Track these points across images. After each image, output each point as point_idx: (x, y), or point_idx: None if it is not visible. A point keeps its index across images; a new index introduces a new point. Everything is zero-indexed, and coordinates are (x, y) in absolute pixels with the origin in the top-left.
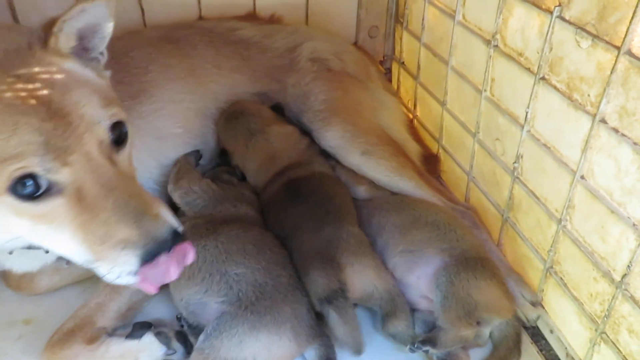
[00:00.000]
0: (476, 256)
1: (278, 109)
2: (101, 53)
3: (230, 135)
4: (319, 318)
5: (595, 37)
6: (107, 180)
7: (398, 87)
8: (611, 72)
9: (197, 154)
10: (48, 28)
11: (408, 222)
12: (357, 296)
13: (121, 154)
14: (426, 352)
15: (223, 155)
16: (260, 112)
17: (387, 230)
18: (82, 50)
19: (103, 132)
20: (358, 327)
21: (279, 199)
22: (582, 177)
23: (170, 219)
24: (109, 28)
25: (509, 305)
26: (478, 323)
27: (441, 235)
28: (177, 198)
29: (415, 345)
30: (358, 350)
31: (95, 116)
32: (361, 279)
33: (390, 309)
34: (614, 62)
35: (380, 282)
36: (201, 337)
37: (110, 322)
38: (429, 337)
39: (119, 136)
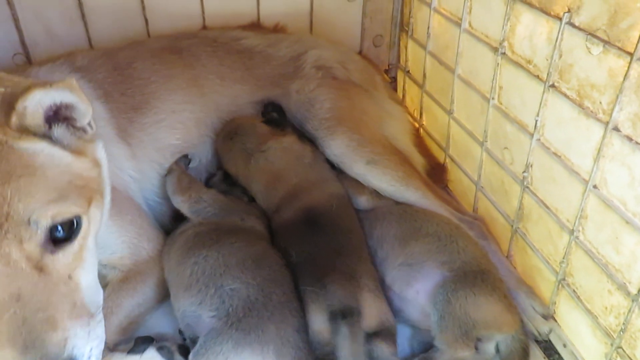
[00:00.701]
0: (476, 269)
1: (271, 120)
2: (89, 124)
3: (229, 157)
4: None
5: (606, 43)
6: (17, 291)
7: (403, 96)
8: (624, 79)
9: (186, 159)
10: (8, 105)
11: (408, 234)
12: (365, 323)
13: (63, 253)
14: None
15: (227, 179)
16: (254, 129)
17: (387, 242)
18: (62, 120)
19: (33, 233)
20: (363, 354)
21: (295, 227)
22: (595, 187)
23: (74, 351)
24: (83, 108)
25: (511, 319)
26: (479, 340)
27: (442, 247)
28: (186, 209)
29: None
30: None
31: (25, 214)
32: (374, 306)
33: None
34: (626, 68)
35: (386, 316)
36: (190, 355)
37: (111, 337)
38: (425, 358)
39: (67, 232)
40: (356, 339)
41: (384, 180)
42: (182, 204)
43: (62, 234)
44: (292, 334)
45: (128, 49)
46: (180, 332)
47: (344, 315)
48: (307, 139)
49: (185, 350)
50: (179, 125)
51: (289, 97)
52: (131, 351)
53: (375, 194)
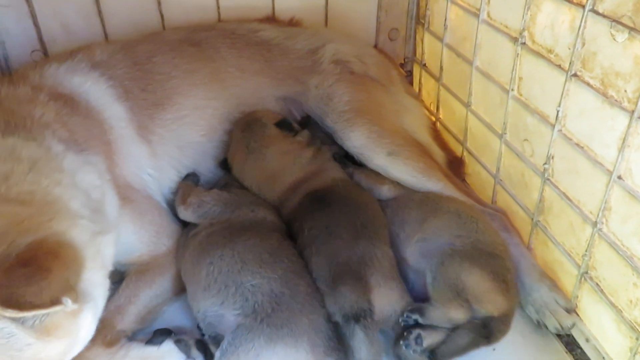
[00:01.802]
0: (489, 251)
1: (284, 124)
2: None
3: (232, 147)
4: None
5: (632, 29)
6: None
7: (420, 90)
8: None
9: (195, 177)
10: None
11: (428, 212)
12: (377, 318)
13: None
14: (415, 323)
15: (224, 163)
16: (264, 129)
17: (408, 224)
18: None
19: None
20: (381, 352)
21: (304, 209)
22: (619, 177)
23: None
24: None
25: (500, 301)
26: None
27: (461, 224)
28: (190, 216)
29: (405, 315)
30: None
31: None
32: (385, 301)
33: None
34: None
35: (401, 305)
36: (217, 353)
37: (129, 326)
38: (418, 307)
39: None
40: (372, 340)
41: (406, 171)
42: (185, 213)
43: None
44: (323, 324)
45: (146, 43)
46: (198, 327)
47: (357, 318)
48: (321, 138)
49: (203, 346)
50: (202, 122)
51: (309, 92)
52: (149, 342)
53: (397, 183)
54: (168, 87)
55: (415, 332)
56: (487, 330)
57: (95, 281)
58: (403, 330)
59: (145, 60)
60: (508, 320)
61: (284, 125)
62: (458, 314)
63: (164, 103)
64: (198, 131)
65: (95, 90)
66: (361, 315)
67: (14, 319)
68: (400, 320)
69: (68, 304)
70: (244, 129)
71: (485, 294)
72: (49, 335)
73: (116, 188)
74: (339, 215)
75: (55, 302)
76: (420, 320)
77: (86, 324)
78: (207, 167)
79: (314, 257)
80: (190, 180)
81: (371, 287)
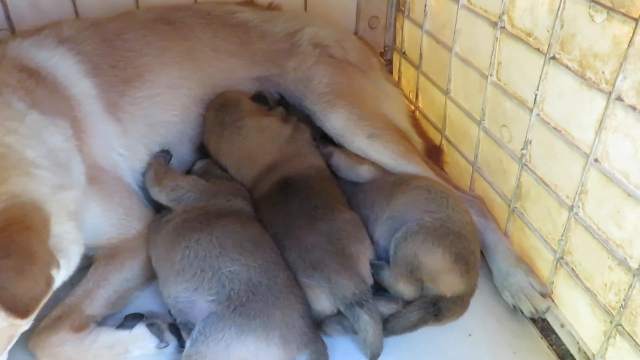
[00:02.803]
0: (456, 230)
1: (260, 98)
2: None
3: (207, 128)
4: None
5: (610, 9)
6: None
7: (399, 78)
8: (628, 46)
9: (166, 154)
10: None
11: (396, 190)
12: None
13: None
14: (377, 272)
15: (202, 149)
16: (238, 104)
17: (377, 204)
18: None
19: None
20: (382, 328)
21: (269, 197)
22: (596, 160)
23: None
24: None
25: (456, 283)
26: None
27: (430, 199)
28: (164, 199)
29: (372, 263)
30: (377, 353)
31: None
32: (365, 266)
33: None
34: (631, 34)
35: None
36: (187, 342)
37: (99, 310)
38: (377, 265)
39: None
40: (376, 319)
41: (386, 154)
42: (159, 194)
43: None
44: (298, 320)
45: (117, 20)
46: (170, 312)
47: (360, 304)
48: (298, 117)
49: (176, 329)
50: (175, 101)
51: (286, 74)
52: (120, 326)
53: (376, 165)
54: (139, 64)
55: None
56: (436, 309)
57: (63, 235)
58: None
59: (115, 37)
60: (464, 301)
61: (258, 98)
62: (405, 290)
63: (135, 80)
64: (170, 110)
65: (62, 65)
66: (364, 299)
67: None
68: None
69: (56, 274)
70: (218, 108)
71: (440, 275)
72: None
73: (84, 164)
74: (292, 209)
75: (50, 282)
76: (375, 277)
77: (59, 280)
78: (179, 148)
79: (284, 254)
80: (162, 158)
81: (355, 258)
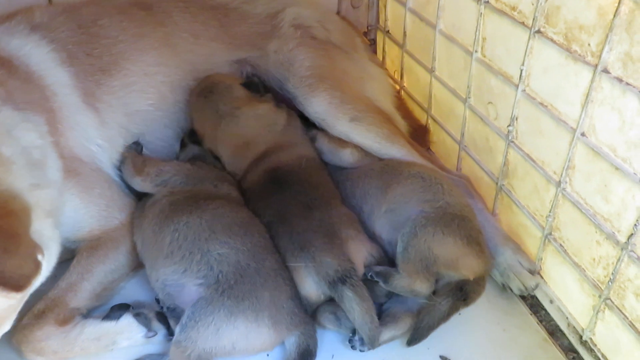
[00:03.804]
0: (458, 213)
1: (252, 85)
2: None
3: (198, 116)
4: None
5: None
6: None
7: (383, 58)
8: (614, 16)
9: (137, 145)
10: None
11: (390, 180)
12: (359, 270)
13: None
14: (386, 280)
15: (192, 136)
16: (231, 91)
17: (370, 195)
18: None
19: None
20: (373, 306)
21: (261, 187)
22: (583, 135)
23: None
24: None
25: (475, 265)
26: (437, 281)
27: (426, 187)
28: (149, 186)
29: (370, 274)
30: (375, 337)
31: None
32: (361, 250)
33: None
34: (617, 4)
35: (375, 250)
36: (177, 329)
37: (83, 303)
38: (385, 272)
39: None
40: (362, 297)
41: (369, 137)
42: (143, 184)
43: None
44: (286, 301)
45: (92, 5)
46: (157, 300)
47: (343, 280)
48: (285, 104)
49: (164, 317)
50: (152, 90)
51: (267, 57)
52: (106, 317)
53: (359, 148)
54: (115, 52)
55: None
56: (464, 293)
57: (41, 232)
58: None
59: (90, 24)
60: (483, 281)
61: (251, 85)
62: (422, 287)
63: (111, 69)
64: (148, 99)
65: (35, 54)
66: (346, 276)
67: None
68: (365, 272)
69: (41, 259)
70: (207, 95)
71: (460, 261)
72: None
73: (61, 158)
74: (289, 199)
75: (38, 265)
76: (383, 287)
77: (43, 273)
78: (158, 137)
79: (276, 241)
80: (134, 149)
81: (344, 240)
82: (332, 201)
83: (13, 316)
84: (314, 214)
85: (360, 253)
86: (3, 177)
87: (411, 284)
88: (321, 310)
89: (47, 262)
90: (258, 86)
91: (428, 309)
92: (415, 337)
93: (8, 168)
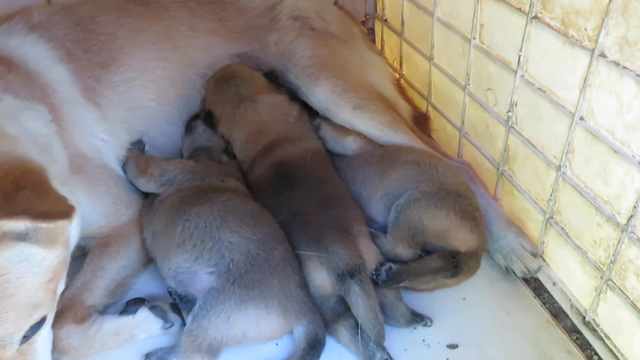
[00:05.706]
0: (454, 190)
1: (272, 76)
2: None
3: (218, 99)
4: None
5: None
6: None
7: (382, 47)
8: (610, 0)
9: (140, 144)
10: None
11: (387, 166)
12: (369, 267)
13: (35, 341)
14: (373, 239)
15: (208, 118)
16: (252, 78)
17: (369, 181)
18: None
19: (9, 347)
20: (378, 305)
21: (269, 184)
22: (582, 119)
23: None
24: None
25: (468, 238)
26: (425, 252)
27: (420, 171)
28: (153, 186)
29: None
30: (380, 334)
31: (1, 335)
32: (372, 248)
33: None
34: None
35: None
36: (189, 318)
37: (99, 300)
38: (373, 234)
39: (33, 328)
40: (369, 293)
41: (372, 125)
42: (147, 184)
43: (30, 332)
44: (295, 290)
45: (89, 3)
46: (169, 292)
47: (352, 274)
48: (296, 99)
49: (177, 309)
50: (153, 84)
51: (268, 49)
52: (123, 312)
53: (362, 135)
54: (113, 48)
55: (388, 264)
56: (455, 261)
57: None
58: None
59: (87, 21)
60: (477, 257)
61: (271, 76)
62: (404, 252)
63: (110, 64)
64: (149, 94)
65: (34, 52)
66: (356, 270)
67: (25, 239)
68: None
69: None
70: (228, 80)
71: (451, 233)
72: (53, 244)
73: (66, 149)
74: (300, 196)
75: (70, 211)
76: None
77: (74, 232)
78: (162, 132)
79: (289, 236)
80: (137, 148)
81: (355, 237)
82: (347, 204)
83: (64, 274)
84: (330, 213)
85: (371, 250)
86: (11, 149)
87: (394, 247)
88: (335, 324)
89: (77, 222)
90: (277, 78)
91: (420, 260)
92: (395, 277)
93: (15, 144)
